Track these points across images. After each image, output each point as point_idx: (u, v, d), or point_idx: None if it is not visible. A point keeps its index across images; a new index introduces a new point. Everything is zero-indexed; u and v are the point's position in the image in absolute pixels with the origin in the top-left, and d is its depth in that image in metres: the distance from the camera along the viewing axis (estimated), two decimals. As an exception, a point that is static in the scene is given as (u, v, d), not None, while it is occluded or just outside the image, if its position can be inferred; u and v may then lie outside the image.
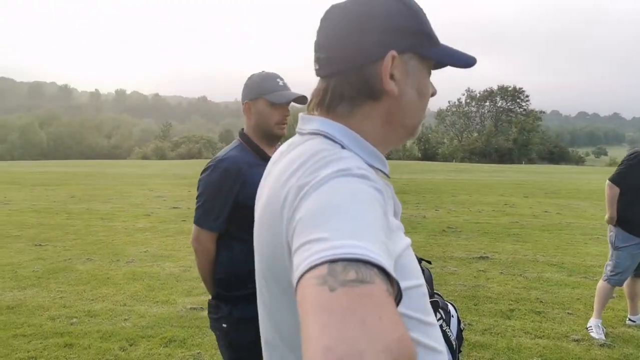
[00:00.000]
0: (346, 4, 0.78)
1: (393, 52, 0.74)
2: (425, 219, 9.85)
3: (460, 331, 1.40)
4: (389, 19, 0.76)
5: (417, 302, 0.70)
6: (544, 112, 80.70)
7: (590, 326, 4.00)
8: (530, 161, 61.21)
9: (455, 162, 57.03)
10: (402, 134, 0.82)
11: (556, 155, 68.08)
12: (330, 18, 0.79)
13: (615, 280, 3.92)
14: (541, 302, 4.76)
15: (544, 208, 11.67)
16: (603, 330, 3.95)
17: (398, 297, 0.54)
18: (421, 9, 0.80)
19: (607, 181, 3.94)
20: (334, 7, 0.79)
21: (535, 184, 19.62)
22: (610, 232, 3.99)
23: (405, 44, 0.76)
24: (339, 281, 0.49)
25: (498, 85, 76.57)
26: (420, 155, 63.90)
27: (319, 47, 0.80)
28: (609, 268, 3.96)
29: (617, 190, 3.87)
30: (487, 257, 6.55)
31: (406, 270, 0.69)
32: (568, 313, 4.45)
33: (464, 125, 77.31)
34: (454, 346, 1.33)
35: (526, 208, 11.68)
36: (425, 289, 0.74)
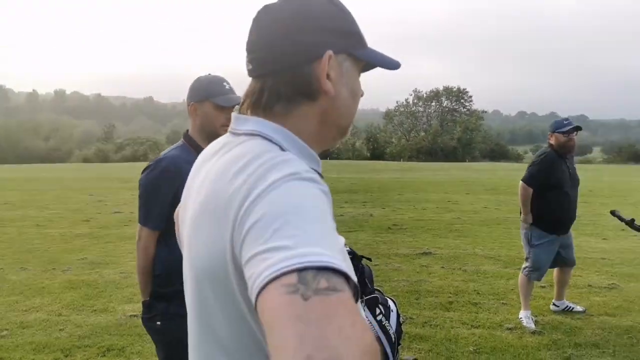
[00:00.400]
0: (280, 4, 0.78)
1: (330, 52, 0.75)
2: (371, 217, 10.05)
3: (399, 325, 1.45)
4: (324, 19, 0.76)
5: None
6: (486, 112, 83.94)
7: (521, 317, 4.19)
8: (474, 159, 63.56)
9: (403, 161, 58.35)
10: (335, 134, 0.83)
11: (497, 153, 70.83)
12: (264, 18, 0.78)
13: (534, 276, 4.10)
14: (478, 293, 4.97)
15: (483, 204, 12.18)
16: (532, 319, 4.16)
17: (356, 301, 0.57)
18: (350, 12, 0.81)
19: (521, 182, 4.06)
20: (267, 7, 0.79)
21: (477, 181, 20.44)
22: (523, 229, 4.14)
23: (340, 44, 0.77)
24: (312, 290, 0.49)
25: (443, 86, 79.20)
26: (369, 154, 64.83)
27: (252, 47, 0.79)
28: (527, 264, 4.13)
29: (530, 190, 3.99)
30: (430, 252, 6.76)
31: None
32: (502, 303, 4.67)
33: (412, 125, 79.12)
34: (393, 339, 1.38)
35: (467, 204, 12.15)
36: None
